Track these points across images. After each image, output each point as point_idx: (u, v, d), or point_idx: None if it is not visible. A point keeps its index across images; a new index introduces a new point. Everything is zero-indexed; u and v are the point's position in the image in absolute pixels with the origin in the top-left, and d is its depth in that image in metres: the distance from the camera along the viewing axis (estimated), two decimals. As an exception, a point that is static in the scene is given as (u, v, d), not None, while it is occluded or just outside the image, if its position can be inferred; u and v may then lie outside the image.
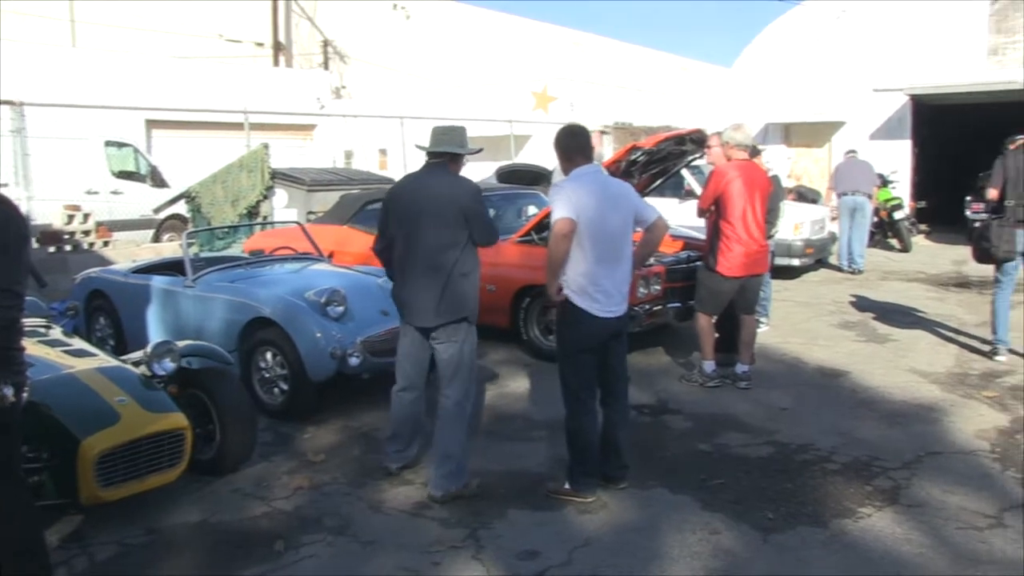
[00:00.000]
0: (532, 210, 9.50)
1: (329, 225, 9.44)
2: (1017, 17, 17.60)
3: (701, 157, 8.49)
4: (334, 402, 6.47)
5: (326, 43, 27.73)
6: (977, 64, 17.81)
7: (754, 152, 7.78)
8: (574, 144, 4.82)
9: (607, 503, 4.71)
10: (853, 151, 14.52)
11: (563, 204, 4.57)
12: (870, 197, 13.76)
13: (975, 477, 5.05)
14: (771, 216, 8.14)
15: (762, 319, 8.57)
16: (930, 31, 18.09)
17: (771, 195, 8.10)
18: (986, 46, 17.85)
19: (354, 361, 6.04)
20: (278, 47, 26.67)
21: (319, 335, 6.02)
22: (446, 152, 4.86)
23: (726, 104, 20.08)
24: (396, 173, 15.67)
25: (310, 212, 11.59)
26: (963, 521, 4.45)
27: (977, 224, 8.26)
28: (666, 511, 4.62)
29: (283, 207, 12.33)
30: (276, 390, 6.29)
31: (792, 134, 18.88)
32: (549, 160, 10.90)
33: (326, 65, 27.63)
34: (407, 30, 29.21)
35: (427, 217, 4.70)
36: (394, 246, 4.86)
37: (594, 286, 4.62)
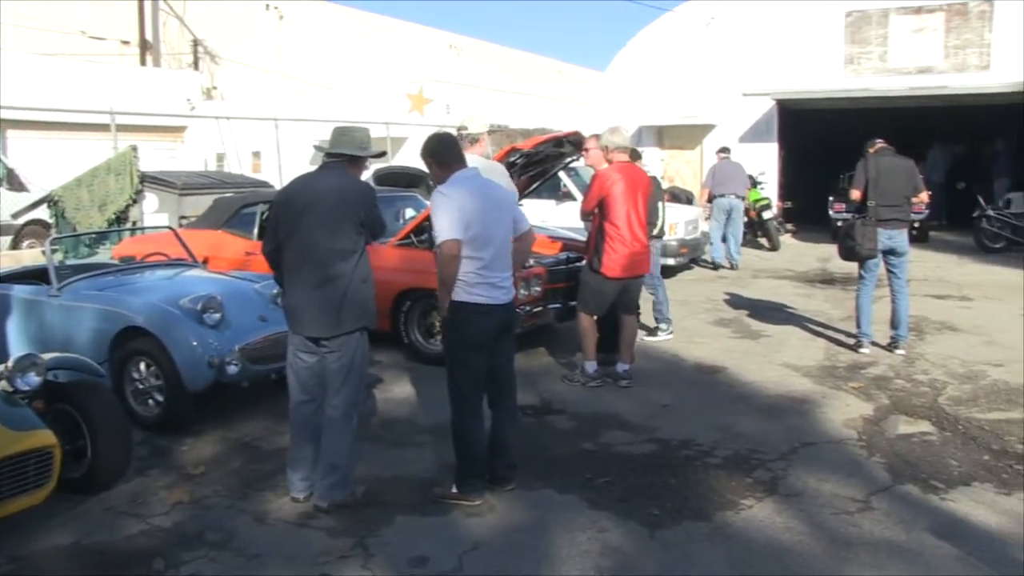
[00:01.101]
0: (410, 212, 9.45)
1: (203, 230, 9.17)
2: (870, 29, 18.56)
3: (578, 159, 8.60)
4: (213, 412, 6.26)
5: (196, 42, 26.94)
6: (835, 72, 18.70)
7: (635, 155, 7.94)
8: (450, 153, 4.81)
9: (495, 505, 4.71)
10: (726, 151, 14.98)
11: (447, 221, 4.54)
12: (743, 198, 14.26)
13: (845, 464, 5.28)
14: (651, 217, 8.33)
15: (662, 325, 8.73)
16: (794, 40, 18.90)
17: (652, 197, 8.29)
18: (843, 55, 18.75)
19: (233, 369, 5.87)
20: (145, 46, 25.78)
21: (195, 343, 5.82)
22: (344, 154, 4.75)
23: (601, 107, 20.47)
24: (270, 176, 15.36)
25: (182, 217, 11.23)
26: (836, 507, 4.64)
27: (840, 223, 8.64)
28: (554, 511, 4.65)
29: (153, 212, 11.91)
30: (151, 402, 6.04)
31: (665, 136, 19.38)
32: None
33: (196, 65, 26.85)
34: (281, 31, 28.69)
35: (324, 222, 4.54)
36: (285, 251, 4.67)
37: (480, 280, 4.62)
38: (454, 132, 5.96)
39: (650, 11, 32.05)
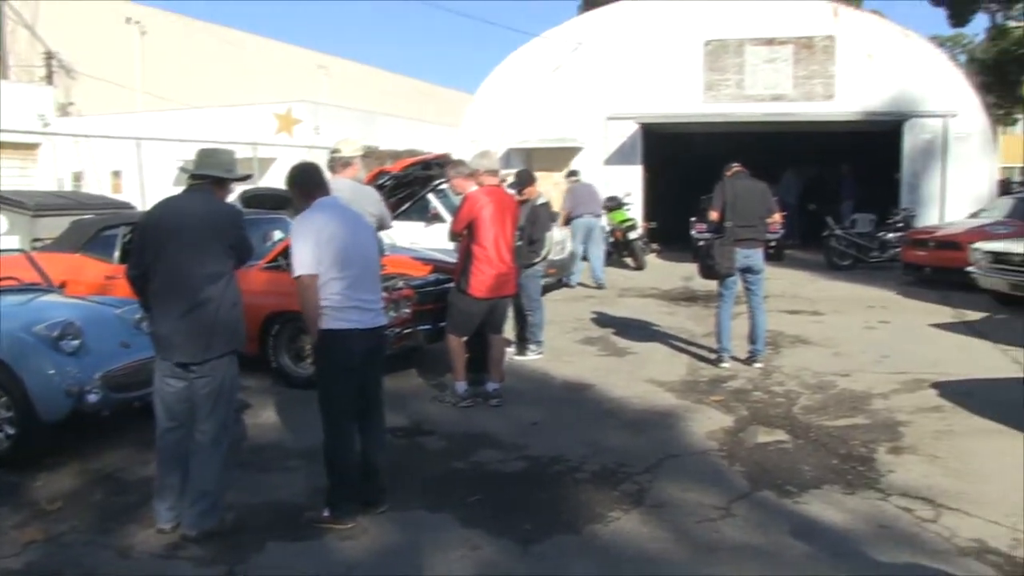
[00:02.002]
0: (278, 235, 9.32)
1: (59, 253, 8.80)
2: (727, 58, 19.43)
3: (447, 181, 8.69)
4: (70, 443, 5.99)
5: (49, 55, 25.82)
6: (696, 98, 19.48)
7: (525, 176, 8.10)
8: (312, 182, 4.83)
9: (368, 528, 4.71)
10: (576, 174, 15.39)
11: (302, 253, 4.56)
12: (599, 216, 14.64)
13: (707, 474, 5.51)
14: (536, 247, 8.50)
15: (532, 346, 8.85)
16: (657, 66, 19.61)
17: (539, 222, 8.46)
18: (702, 82, 19.55)
19: (93, 398, 5.67)
20: (-10, 56, 24.56)
21: (52, 372, 5.59)
22: (210, 176, 4.69)
23: (471, 129, 20.66)
24: (132, 197, 14.87)
25: (35, 239, 10.75)
26: (699, 515, 4.85)
27: (701, 243, 9.00)
28: (427, 531, 4.68)
29: (3, 234, 11.36)
30: (1, 434, 5.75)
31: (533, 159, 19.70)
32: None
33: (50, 79, 25.72)
34: (143, 46, 27.82)
35: (192, 245, 4.48)
36: (151, 276, 4.55)
37: (347, 303, 4.63)
38: (326, 153, 5.96)
39: (519, 36, 32.65)
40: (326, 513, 4.75)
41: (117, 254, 8.54)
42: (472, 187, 7.13)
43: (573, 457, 5.81)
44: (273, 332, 7.74)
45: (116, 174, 20.29)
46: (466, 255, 7.00)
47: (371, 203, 6.69)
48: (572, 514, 4.88)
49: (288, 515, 4.89)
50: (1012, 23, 28.80)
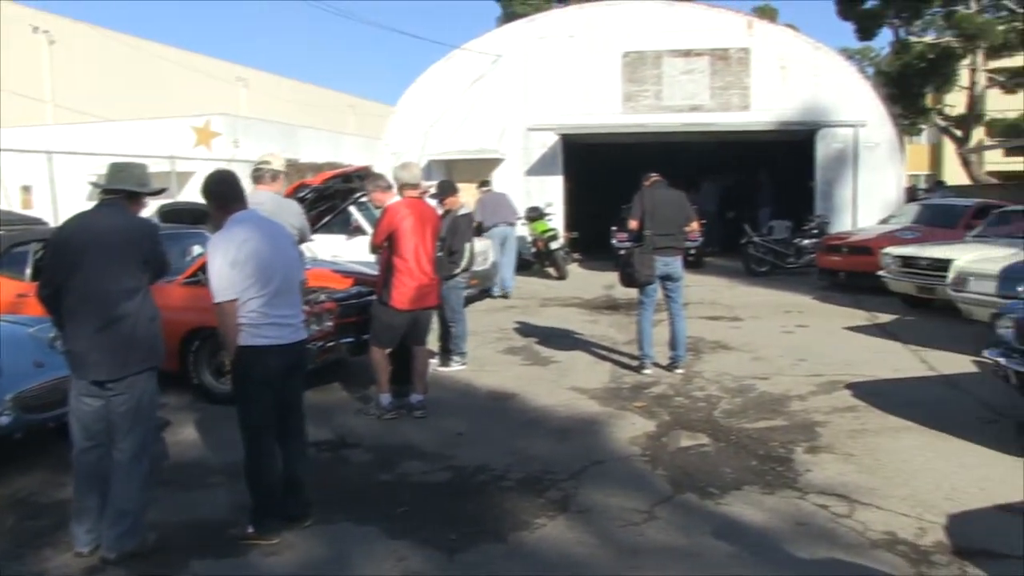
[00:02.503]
0: (197, 249, 9.18)
1: (-33, 272, 8.51)
2: (645, 70, 19.75)
3: (367, 194, 8.66)
4: (-20, 467, 5.82)
5: (-51, 65, 24.90)
6: (615, 109, 19.75)
7: (448, 187, 8.10)
8: (231, 192, 4.76)
9: (293, 543, 4.66)
10: (488, 184, 15.48)
11: (219, 277, 4.50)
12: (513, 225, 14.73)
13: (631, 479, 5.60)
14: (456, 257, 8.50)
15: (456, 357, 8.84)
16: (576, 77, 19.83)
17: (459, 233, 8.46)
18: (621, 93, 19.84)
19: (5, 420, 5.51)
20: None
21: (-41, 394, 5.42)
22: (123, 190, 4.60)
23: (392, 141, 20.63)
24: (44, 212, 14.45)
25: (-60, 258, 10.38)
26: (624, 519, 4.91)
27: (622, 252, 9.12)
28: (353, 544, 4.66)
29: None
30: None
31: (455, 170, 19.72)
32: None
33: (-50, 90, 24.82)
34: (52, 56, 27.07)
35: (105, 261, 4.38)
36: (64, 293, 4.43)
37: (265, 319, 4.59)
38: (246, 167, 5.90)
39: (440, 48, 32.68)
40: (250, 529, 4.69)
41: (28, 271, 8.28)
42: (392, 199, 7.13)
43: (498, 466, 5.83)
44: (193, 348, 7.61)
45: (26, 189, 19.67)
46: (387, 267, 7.00)
47: (292, 216, 6.65)
48: (498, 522, 4.91)
49: (211, 533, 4.82)
50: (913, 38, 29.85)
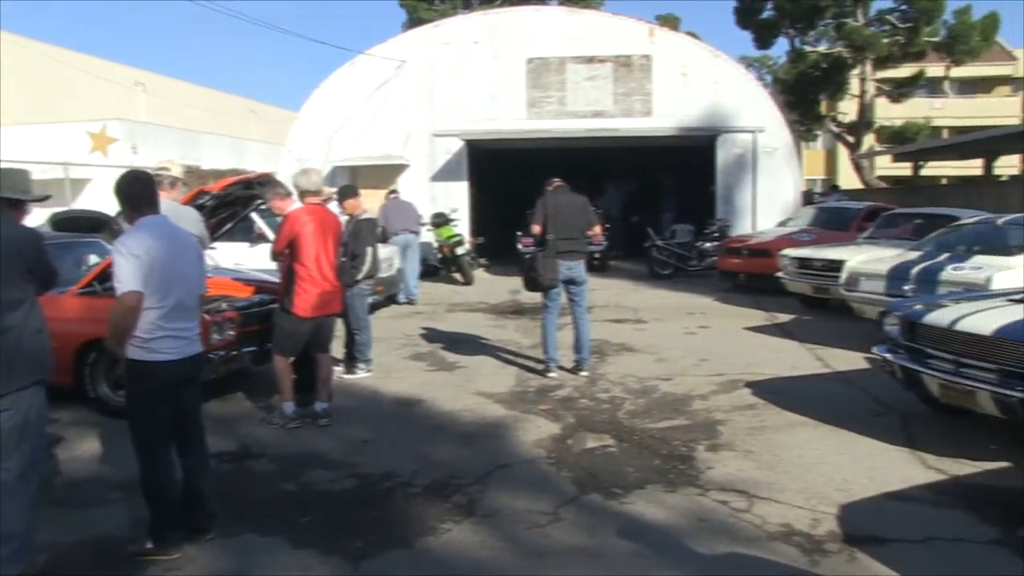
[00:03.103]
0: (93, 259, 8.91)
1: None
2: (549, 76, 19.94)
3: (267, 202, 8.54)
4: None
5: None
6: (519, 114, 19.88)
7: (351, 193, 8.02)
8: (144, 194, 4.63)
9: (195, 557, 4.56)
10: (395, 191, 15.45)
11: (128, 271, 4.37)
12: (417, 233, 14.71)
13: (536, 481, 5.64)
14: (358, 262, 8.42)
15: (361, 364, 8.76)
16: (481, 83, 19.89)
17: (360, 237, 8.39)
18: (526, 99, 19.99)
19: None
20: None
21: None
22: (3, 198, 4.42)
23: (296, 147, 20.36)
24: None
25: None
26: (529, 521, 4.95)
27: (527, 257, 9.19)
28: (257, 556, 4.58)
29: None
30: None
31: (359, 176, 19.56)
32: (111, 206, 10.28)
33: None
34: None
35: None
36: None
37: (160, 331, 4.48)
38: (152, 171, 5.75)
39: (344, 53, 32.42)
40: (150, 545, 4.57)
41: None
42: (293, 207, 7.05)
43: (404, 472, 5.81)
44: (90, 361, 7.37)
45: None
46: (289, 275, 6.92)
47: (191, 224, 6.51)
48: (404, 529, 4.89)
49: (109, 551, 4.67)
50: (808, 48, 30.87)
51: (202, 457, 4.92)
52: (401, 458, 6.11)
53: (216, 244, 9.50)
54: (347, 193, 8.96)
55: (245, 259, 11.42)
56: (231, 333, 7.37)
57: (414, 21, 30.66)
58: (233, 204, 8.34)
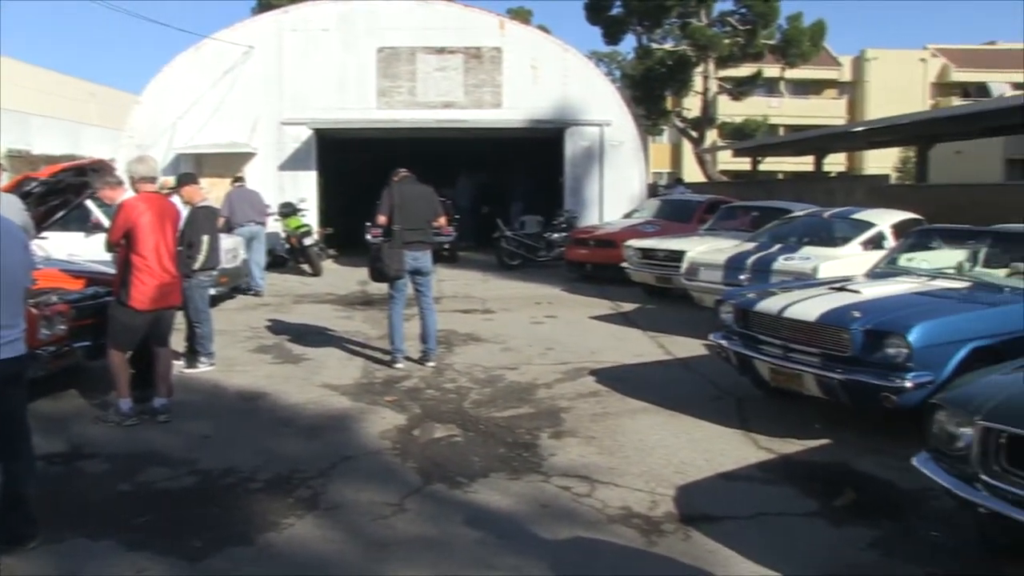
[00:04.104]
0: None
1: None
2: (400, 65, 19.84)
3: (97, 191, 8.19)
4: None
5: None
6: (370, 104, 19.71)
7: (189, 179, 7.75)
8: None
9: (16, 567, 4.30)
10: (241, 180, 15.06)
11: None
12: (263, 224, 14.40)
13: (381, 473, 5.63)
14: (193, 251, 8.15)
15: (203, 358, 8.50)
16: (331, 72, 19.60)
17: (195, 225, 8.12)
18: (376, 88, 19.82)
19: None
20: None
21: None
22: None
23: (137, 133, 19.54)
24: None
25: None
26: (373, 513, 4.94)
27: (374, 247, 9.14)
28: (88, 561, 4.38)
29: None
30: None
31: (204, 164, 18.96)
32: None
33: None
34: None
35: None
36: None
37: None
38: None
39: (189, 36, 31.14)
40: (-43, 559, 4.29)
41: None
42: (125, 195, 6.77)
43: (246, 468, 5.69)
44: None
45: None
46: (125, 266, 6.63)
47: (13, 212, 6.18)
48: (245, 525, 4.79)
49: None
50: (655, 45, 31.82)
51: (27, 461, 4.64)
52: (243, 453, 5.97)
53: (48, 234, 9.06)
54: (185, 180, 8.68)
55: (80, 249, 10.89)
56: (62, 328, 7.00)
57: (263, 6, 29.91)
58: (64, 192, 7.97)
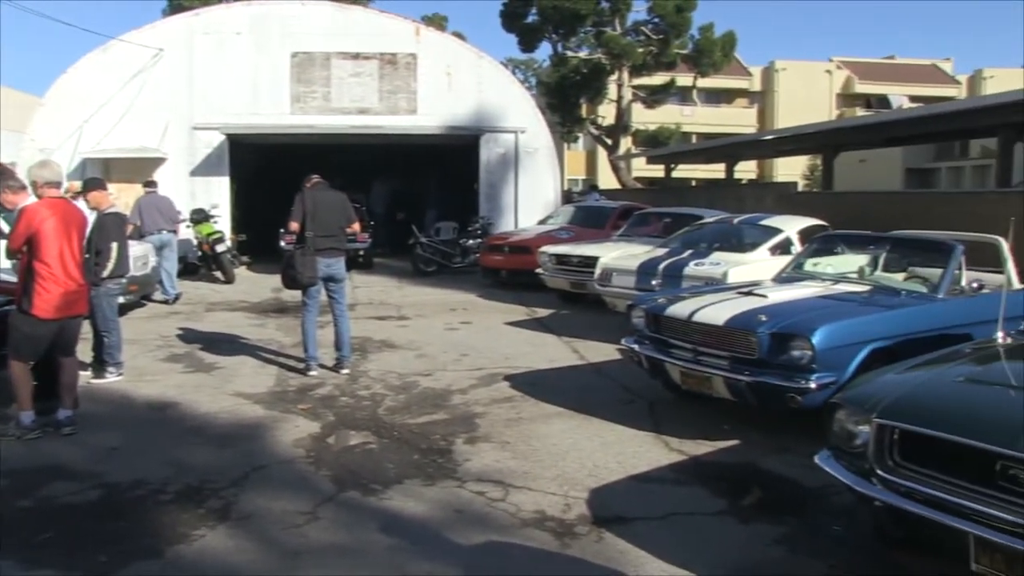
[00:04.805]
0: None
1: None
2: (314, 71, 19.67)
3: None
4: None
5: None
6: (284, 109, 19.49)
7: (95, 184, 7.54)
8: None
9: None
10: (152, 184, 14.75)
11: None
12: (174, 232, 14.13)
13: (294, 481, 5.57)
14: (102, 258, 7.95)
15: (111, 368, 8.28)
16: (245, 76, 19.33)
17: (103, 232, 7.92)
18: (290, 94, 19.62)
19: None
20: None
21: None
22: None
23: (40, 136, 18.95)
24: None
25: None
26: (286, 522, 4.88)
27: (287, 254, 9.05)
28: (-18, 581, 4.26)
29: None
30: None
31: (113, 169, 18.49)
32: None
33: None
34: None
35: None
36: None
37: None
38: None
39: (96, 37, 30.24)
40: None
41: None
42: (27, 200, 6.58)
43: (155, 479, 5.57)
44: None
45: None
46: (28, 273, 6.43)
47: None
48: (153, 538, 4.69)
49: None
50: (570, 53, 32.14)
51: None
52: (152, 464, 5.85)
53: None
54: (92, 185, 8.45)
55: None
56: (-42, 338, 6.79)
57: (175, 7, 29.31)
58: (-42, 197, 7.67)
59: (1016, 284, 7.23)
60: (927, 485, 3.75)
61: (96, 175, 15.71)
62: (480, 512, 5.06)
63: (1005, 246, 7.12)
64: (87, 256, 7.27)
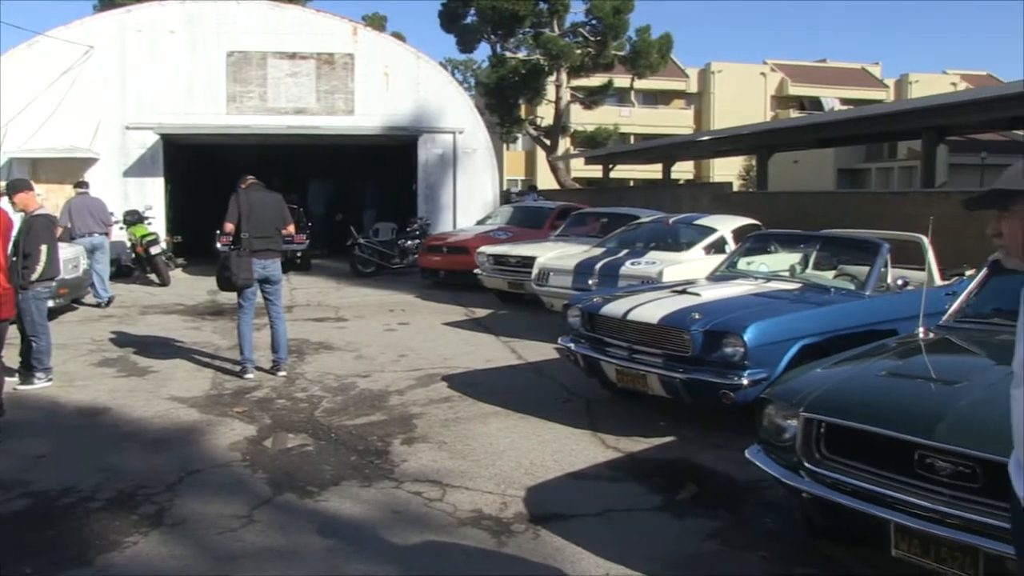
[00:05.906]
0: None
1: None
2: (250, 70, 19.44)
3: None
4: None
5: None
6: (219, 109, 19.23)
7: (21, 186, 7.39)
8: None
9: None
10: (84, 185, 14.46)
11: None
12: (106, 235, 13.87)
13: (230, 485, 5.51)
14: (30, 261, 7.77)
15: (39, 374, 8.09)
16: (179, 75, 19.03)
17: (31, 234, 7.74)
18: (226, 93, 19.36)
19: None
20: None
21: None
22: None
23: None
24: None
25: None
26: (221, 526, 4.84)
27: (222, 255, 8.95)
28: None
29: None
30: None
31: (40, 169, 18.05)
32: None
33: None
34: None
35: None
36: None
37: None
38: None
39: (20, 32, 29.37)
40: None
41: None
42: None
43: (86, 486, 5.47)
44: None
45: None
46: (-49, 277, 6.29)
47: None
48: (83, 546, 4.60)
49: None
50: (509, 54, 32.26)
51: None
52: (83, 471, 5.74)
53: None
54: (18, 187, 8.24)
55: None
56: None
57: (105, 4, 28.72)
58: None
59: (938, 281, 7.46)
60: (852, 476, 3.87)
61: (22, 176, 15.36)
62: (417, 512, 5.07)
63: (928, 244, 7.35)
64: (13, 259, 7.10)
